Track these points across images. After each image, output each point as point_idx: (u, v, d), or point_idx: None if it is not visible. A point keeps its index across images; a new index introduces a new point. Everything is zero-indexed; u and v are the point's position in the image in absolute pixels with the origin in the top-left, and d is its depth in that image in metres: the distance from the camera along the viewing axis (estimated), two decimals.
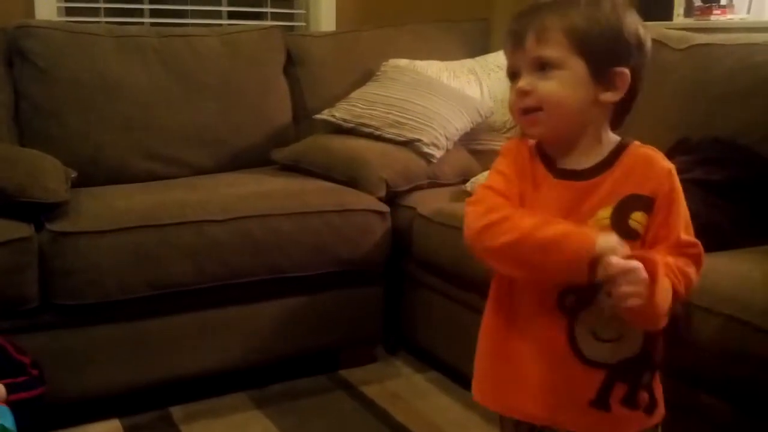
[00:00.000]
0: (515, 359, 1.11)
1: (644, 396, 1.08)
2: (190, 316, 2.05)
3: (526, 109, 1.06)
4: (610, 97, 1.05)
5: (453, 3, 3.31)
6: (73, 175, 2.09)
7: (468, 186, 2.29)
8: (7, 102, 2.37)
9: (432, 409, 2.08)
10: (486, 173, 2.20)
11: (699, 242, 1.05)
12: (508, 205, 1.07)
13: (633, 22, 1.06)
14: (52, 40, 2.42)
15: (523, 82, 1.05)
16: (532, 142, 1.12)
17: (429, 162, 2.44)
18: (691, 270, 1.05)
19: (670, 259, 1.03)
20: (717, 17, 2.63)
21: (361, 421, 2.02)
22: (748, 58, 2.10)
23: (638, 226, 1.04)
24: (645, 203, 1.03)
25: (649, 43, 1.08)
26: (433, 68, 2.84)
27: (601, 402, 1.07)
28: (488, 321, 1.17)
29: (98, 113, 2.42)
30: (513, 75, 1.08)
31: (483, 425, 1.99)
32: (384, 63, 2.80)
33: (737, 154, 1.87)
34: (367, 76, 2.77)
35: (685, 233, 1.05)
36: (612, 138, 1.10)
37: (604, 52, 1.04)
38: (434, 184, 2.44)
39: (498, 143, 2.80)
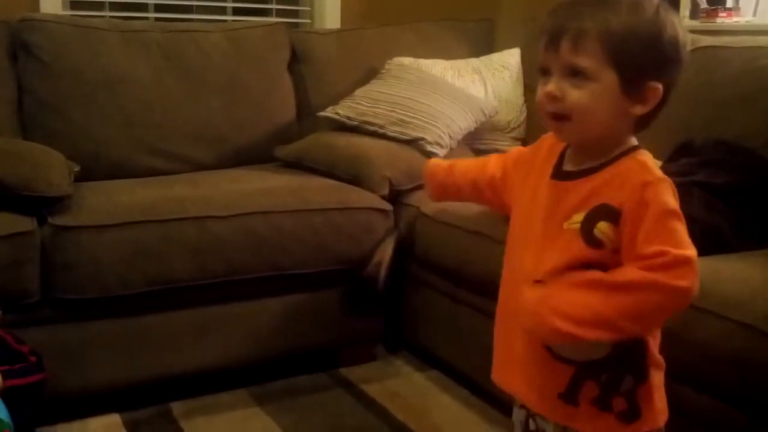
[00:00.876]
0: (508, 347, 1.16)
1: (619, 401, 1.07)
2: (191, 312, 2.05)
3: (553, 114, 1.05)
4: (640, 110, 1.03)
5: (458, 2, 3.31)
6: (76, 169, 2.09)
7: None
8: (11, 96, 2.37)
9: (432, 408, 2.08)
10: None
11: (670, 250, 0.97)
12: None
13: (673, 31, 1.03)
14: (57, 34, 2.42)
15: (553, 87, 1.03)
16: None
17: None
18: (645, 275, 0.97)
19: (592, 274, 1.01)
20: (723, 20, 2.62)
21: (361, 419, 2.02)
22: (753, 61, 2.10)
23: (602, 236, 1.02)
24: (612, 214, 1.02)
25: (686, 51, 1.05)
26: (437, 67, 2.83)
27: (569, 396, 1.08)
28: (497, 308, 1.22)
29: (102, 108, 2.42)
30: (544, 71, 1.06)
31: (483, 424, 1.99)
32: (388, 61, 2.80)
33: (740, 157, 1.86)
34: (371, 74, 2.77)
35: (657, 244, 0.98)
36: (629, 144, 1.08)
37: (639, 67, 1.01)
38: None
39: (502, 143, 2.80)
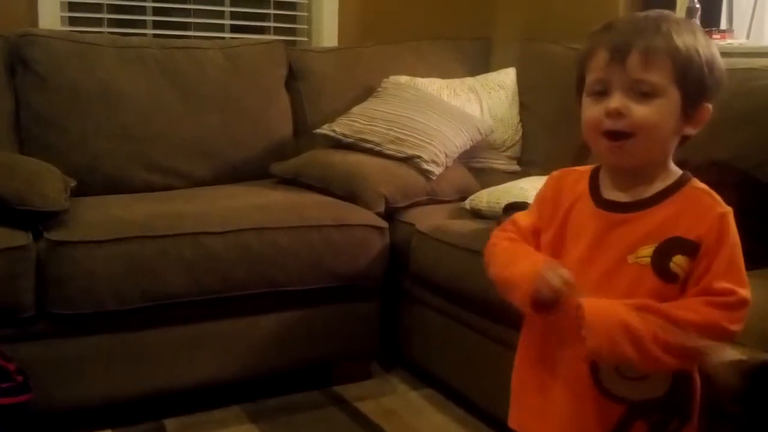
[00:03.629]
0: (542, 390, 1.11)
1: None
2: (186, 327, 2.04)
3: (615, 132, 1.01)
4: (691, 130, 1.03)
5: (454, 21, 3.33)
6: (72, 184, 2.09)
7: (467, 203, 2.29)
8: (8, 110, 2.37)
9: (427, 427, 2.07)
10: (485, 191, 2.23)
11: (738, 290, 0.98)
12: (516, 237, 1.15)
13: (718, 54, 1.03)
14: (55, 49, 2.43)
15: (617, 103, 1.00)
16: (584, 169, 1.11)
17: (428, 179, 2.44)
18: (708, 314, 0.98)
19: (649, 304, 0.99)
20: (717, 41, 2.65)
21: None
22: (746, 82, 2.11)
23: (679, 269, 1.00)
24: (689, 248, 1.00)
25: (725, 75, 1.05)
26: (433, 85, 2.85)
27: None
28: (521, 352, 1.17)
29: (98, 123, 2.42)
30: (600, 90, 1.02)
31: None
32: (385, 79, 2.81)
33: (735, 177, 1.87)
34: (368, 92, 2.78)
35: (726, 281, 0.99)
36: (675, 170, 1.06)
37: (699, 85, 1.01)
38: (433, 200, 2.44)
39: (497, 161, 2.82)
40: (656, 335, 0.97)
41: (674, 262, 1.00)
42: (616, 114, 1.00)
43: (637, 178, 1.05)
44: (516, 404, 1.18)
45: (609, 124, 1.01)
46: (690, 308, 0.98)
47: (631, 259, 1.02)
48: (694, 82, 1.00)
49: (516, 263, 1.09)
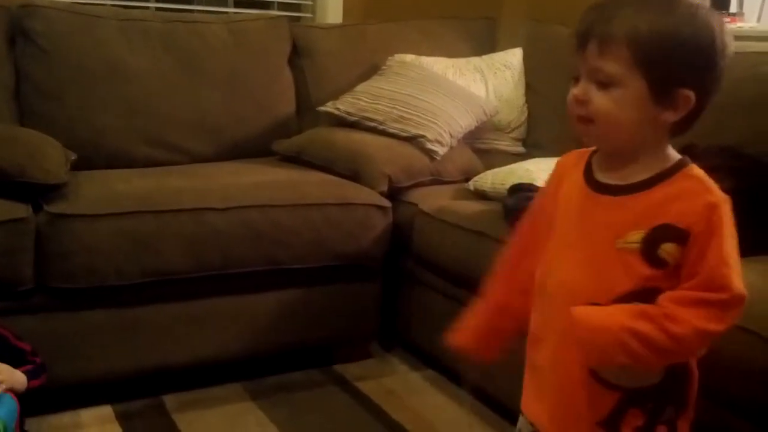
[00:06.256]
0: (538, 370, 1.11)
1: (662, 430, 1.05)
2: (186, 304, 2.03)
3: (579, 117, 1.02)
4: (670, 117, 1.00)
5: (460, 0, 3.29)
6: (72, 158, 2.07)
7: (471, 184, 2.27)
8: (8, 81, 2.35)
9: (427, 408, 2.07)
10: (490, 172, 2.21)
11: (732, 288, 0.97)
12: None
13: (709, 35, 0.98)
14: (56, 20, 2.40)
15: (578, 90, 1.01)
16: (586, 150, 1.10)
17: (432, 159, 2.42)
18: (699, 324, 0.96)
19: (651, 307, 0.98)
20: (727, 25, 2.62)
21: (355, 417, 2.00)
22: (756, 67, 2.09)
23: (668, 256, 0.99)
24: (679, 235, 0.98)
25: (724, 57, 1.00)
26: (439, 65, 2.82)
27: (610, 424, 1.04)
28: (530, 326, 1.15)
29: (100, 96, 2.40)
30: (576, 75, 1.02)
31: (478, 425, 1.98)
32: (390, 58, 2.78)
33: (743, 162, 1.85)
34: (372, 70, 2.76)
35: (722, 275, 0.97)
36: (672, 156, 1.04)
37: (669, 73, 0.97)
38: (437, 181, 2.42)
39: (502, 142, 2.80)
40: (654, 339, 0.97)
41: (663, 249, 0.99)
42: (578, 101, 1.01)
43: (625, 161, 1.04)
44: (525, 384, 1.17)
45: (576, 110, 1.02)
46: (682, 320, 0.96)
47: (619, 243, 1.01)
48: (659, 68, 0.97)
49: None
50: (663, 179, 1.01)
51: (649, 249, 0.99)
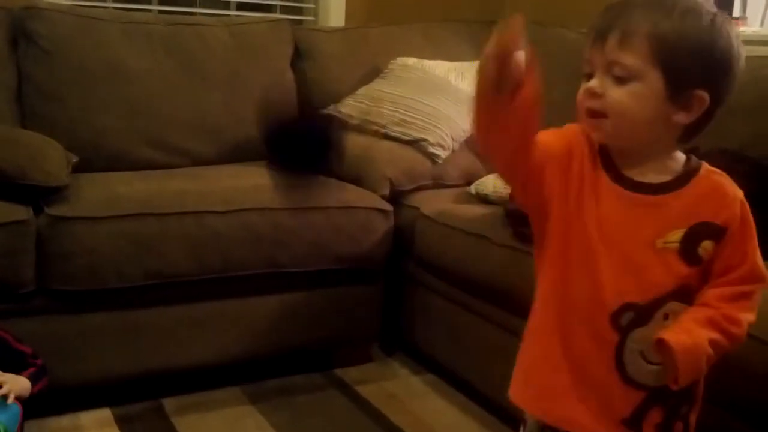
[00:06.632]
0: (562, 368, 1.07)
1: (679, 426, 1.07)
2: (187, 307, 2.03)
3: (591, 111, 1.01)
4: (683, 118, 1.00)
5: (463, 3, 3.29)
6: (74, 160, 2.06)
7: (473, 188, 2.27)
8: (10, 83, 2.34)
9: (427, 412, 2.06)
10: (491, 176, 2.20)
11: (766, 277, 1.04)
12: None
13: (727, 42, 0.99)
14: (58, 23, 2.39)
15: (594, 83, 1.00)
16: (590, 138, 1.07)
17: (434, 162, 2.42)
18: (745, 314, 1.03)
19: (712, 312, 1.01)
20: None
21: (355, 421, 2.00)
22: (759, 70, 2.08)
23: (705, 253, 1.02)
24: (716, 232, 1.01)
25: (739, 65, 1.01)
26: (441, 68, 2.81)
27: (634, 422, 1.05)
28: (537, 325, 1.11)
29: (102, 98, 2.39)
30: (588, 71, 1.02)
31: (478, 429, 1.97)
32: (392, 61, 2.78)
33: (745, 166, 1.85)
34: (374, 74, 2.75)
35: (759, 266, 1.04)
36: (679, 156, 1.05)
37: (687, 72, 0.97)
38: (439, 184, 2.42)
39: None
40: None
41: (702, 247, 1.01)
42: (592, 94, 1.00)
43: (641, 159, 1.03)
44: (525, 379, 1.13)
45: (588, 103, 1.01)
46: (737, 320, 1.02)
47: (659, 243, 1.01)
48: (681, 67, 0.97)
49: None
50: (690, 177, 1.03)
51: (688, 247, 1.01)
